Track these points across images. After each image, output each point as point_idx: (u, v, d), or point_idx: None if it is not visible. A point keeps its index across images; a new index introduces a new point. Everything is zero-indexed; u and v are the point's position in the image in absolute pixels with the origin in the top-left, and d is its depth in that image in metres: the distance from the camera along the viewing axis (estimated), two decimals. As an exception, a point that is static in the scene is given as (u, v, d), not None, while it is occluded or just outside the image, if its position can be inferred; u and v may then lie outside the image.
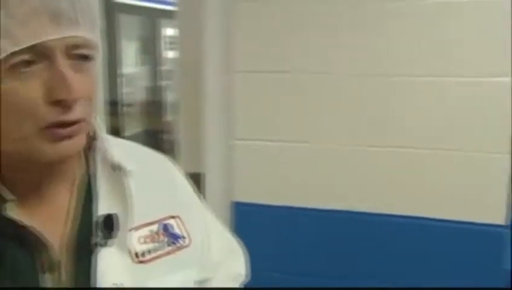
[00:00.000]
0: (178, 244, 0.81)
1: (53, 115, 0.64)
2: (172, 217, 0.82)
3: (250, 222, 1.79)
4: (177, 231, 0.82)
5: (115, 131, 4.01)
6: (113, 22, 3.97)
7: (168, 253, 0.79)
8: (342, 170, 1.72)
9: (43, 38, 0.61)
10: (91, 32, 0.67)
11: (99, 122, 0.80)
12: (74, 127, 0.66)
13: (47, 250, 0.69)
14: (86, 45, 0.66)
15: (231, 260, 0.95)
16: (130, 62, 4.74)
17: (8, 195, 0.69)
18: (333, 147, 1.72)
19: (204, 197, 1.87)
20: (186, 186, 0.92)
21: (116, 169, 0.78)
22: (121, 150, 0.80)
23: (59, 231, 0.72)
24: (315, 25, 1.67)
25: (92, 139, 0.79)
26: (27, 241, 0.69)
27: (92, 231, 0.73)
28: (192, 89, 1.86)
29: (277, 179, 1.78)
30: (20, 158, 0.68)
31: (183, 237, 0.82)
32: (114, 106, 4.11)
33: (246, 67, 1.74)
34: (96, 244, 0.72)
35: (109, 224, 0.73)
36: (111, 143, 0.79)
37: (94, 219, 0.74)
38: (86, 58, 0.67)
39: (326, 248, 1.75)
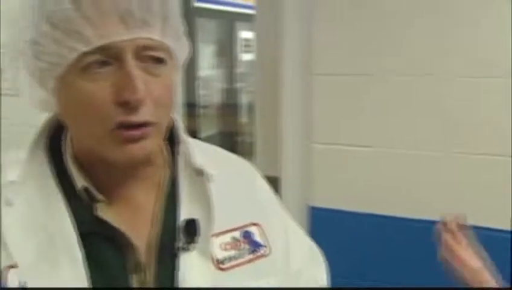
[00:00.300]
0: (258, 253, 0.79)
1: (119, 116, 0.64)
2: (254, 224, 0.81)
3: (326, 227, 1.75)
4: (258, 239, 0.80)
5: (191, 132, 4.09)
6: (191, 26, 4.07)
7: (249, 261, 0.78)
8: (428, 178, 1.64)
9: (113, 39, 0.62)
10: (164, 35, 0.66)
11: (181, 126, 0.80)
12: (140, 130, 0.66)
13: (134, 251, 0.71)
14: (158, 47, 0.66)
15: (313, 268, 0.92)
16: (207, 65, 4.85)
17: (98, 195, 0.71)
18: (420, 153, 1.64)
19: (280, 200, 1.86)
20: (267, 192, 0.90)
21: (198, 174, 0.78)
22: (204, 154, 0.80)
23: (144, 233, 0.73)
24: (393, 27, 1.62)
25: (175, 142, 0.79)
26: (116, 242, 0.70)
27: (175, 235, 0.73)
28: (269, 91, 1.86)
29: (355, 184, 1.73)
30: (97, 159, 0.69)
31: (264, 246, 0.80)
32: (191, 108, 4.21)
33: (325, 69, 1.71)
34: (178, 249, 0.73)
35: (191, 229, 0.74)
36: (193, 147, 0.79)
37: (177, 223, 0.74)
38: (157, 60, 0.66)
39: (406, 256, 1.67)
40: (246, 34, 4.94)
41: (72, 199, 0.71)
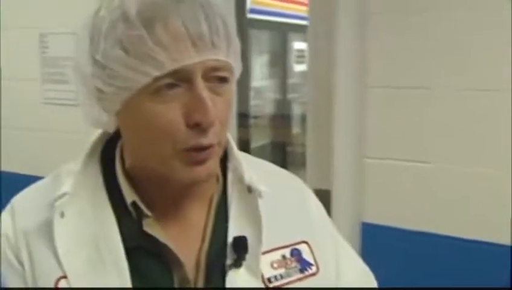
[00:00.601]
0: (307, 273, 0.78)
1: (191, 138, 0.65)
2: (304, 242, 0.80)
3: (377, 244, 1.70)
4: (306, 257, 0.79)
5: (243, 142, 4.14)
6: (245, 38, 4.11)
7: (298, 280, 0.77)
8: (487, 197, 1.56)
9: (185, 63, 0.63)
10: (228, 55, 0.68)
11: (233, 142, 0.80)
12: (208, 152, 0.67)
13: (181, 267, 0.71)
14: (223, 67, 0.67)
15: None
16: (260, 75, 4.88)
17: (146, 211, 0.72)
18: (480, 170, 1.56)
19: (330, 215, 1.83)
20: (319, 211, 0.89)
21: (248, 190, 0.77)
22: (254, 170, 0.80)
23: (193, 249, 0.73)
24: (451, 39, 1.55)
25: (227, 158, 0.79)
26: (163, 258, 0.71)
27: (225, 252, 0.73)
28: (322, 103, 1.83)
29: (409, 201, 1.67)
30: (158, 177, 0.70)
31: (312, 265, 0.79)
32: (243, 118, 4.25)
33: (380, 82, 1.67)
34: (227, 266, 0.72)
35: (239, 246, 0.73)
36: (244, 163, 0.79)
37: (227, 240, 0.74)
38: (222, 80, 0.67)
39: (459, 278, 1.59)
40: (298, 45, 4.94)
41: (122, 212, 0.72)
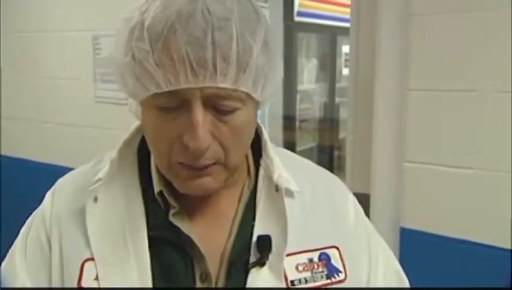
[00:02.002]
0: (334, 279, 0.75)
1: (183, 157, 0.65)
2: (334, 247, 0.78)
3: (416, 249, 1.66)
4: (335, 263, 0.77)
5: (290, 145, 4.14)
6: (293, 41, 4.11)
7: (323, 286, 0.75)
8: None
9: (181, 86, 0.62)
10: (238, 82, 0.64)
11: (267, 138, 0.80)
12: (200, 171, 0.67)
13: (202, 261, 0.71)
14: (229, 96, 0.64)
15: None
16: (308, 79, 4.86)
17: (172, 201, 0.73)
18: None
19: (369, 219, 1.81)
20: (356, 215, 0.85)
21: (276, 189, 0.76)
22: (292, 167, 0.79)
23: (218, 244, 0.74)
24: (494, 41, 1.49)
25: (259, 156, 0.79)
26: (186, 250, 0.72)
27: (249, 249, 0.73)
28: (364, 106, 1.81)
29: (450, 207, 1.62)
30: None
31: (341, 272, 0.76)
32: (290, 121, 4.25)
33: (422, 85, 1.63)
34: (250, 264, 0.72)
35: (264, 245, 0.72)
36: (276, 162, 0.78)
37: (252, 237, 0.73)
38: (227, 112, 0.65)
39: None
40: (347, 48, 4.88)
41: (151, 202, 0.74)
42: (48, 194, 0.80)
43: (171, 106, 0.64)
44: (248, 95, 0.67)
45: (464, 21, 1.54)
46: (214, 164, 0.67)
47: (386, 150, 1.73)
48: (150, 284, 0.70)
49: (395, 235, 1.72)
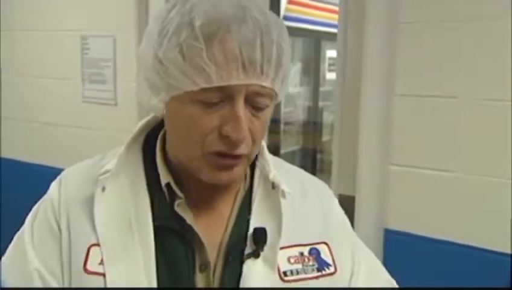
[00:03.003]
0: (324, 272, 0.81)
1: (220, 146, 0.71)
2: (324, 243, 0.83)
3: (400, 250, 1.71)
4: (324, 257, 0.82)
5: (274, 147, 4.18)
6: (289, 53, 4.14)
7: (313, 278, 0.80)
8: (506, 206, 1.55)
9: (233, 83, 0.68)
10: (274, 82, 0.72)
11: (263, 143, 0.84)
12: (235, 161, 0.73)
13: (203, 251, 0.76)
14: (267, 93, 0.72)
15: None
16: (292, 82, 4.91)
17: (178, 192, 0.77)
18: (505, 181, 1.56)
19: (354, 221, 1.85)
20: (341, 217, 0.92)
21: (273, 187, 0.82)
22: (284, 173, 0.84)
23: (216, 236, 0.78)
24: (478, 50, 1.55)
25: (255, 158, 0.84)
26: (188, 239, 0.76)
27: (245, 241, 0.78)
28: (350, 110, 1.86)
29: (433, 209, 1.67)
30: (189, 170, 0.76)
31: (330, 265, 0.82)
32: (274, 124, 4.28)
33: (407, 90, 1.68)
34: (245, 255, 0.77)
35: (259, 237, 0.77)
36: (271, 163, 0.84)
37: (248, 230, 0.78)
38: (261, 108, 0.72)
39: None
40: (331, 53, 4.95)
41: (156, 193, 0.78)
42: (55, 184, 0.83)
43: (213, 100, 0.69)
44: (275, 94, 0.74)
45: (447, 30, 1.60)
46: (244, 156, 0.73)
47: (371, 153, 1.78)
48: (154, 271, 0.73)
49: (380, 236, 1.77)
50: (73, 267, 0.74)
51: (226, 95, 0.69)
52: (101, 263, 0.73)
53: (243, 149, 0.71)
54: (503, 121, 1.54)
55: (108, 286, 0.72)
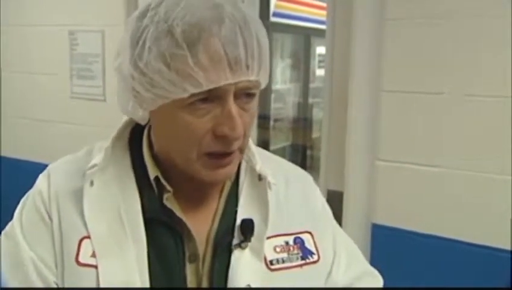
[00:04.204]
0: (307, 260, 0.83)
1: (215, 146, 0.72)
2: (308, 232, 0.85)
3: (387, 245, 1.73)
4: (308, 246, 0.84)
5: (264, 144, 4.19)
6: (268, 41, 4.15)
7: (298, 266, 0.82)
8: (496, 203, 1.57)
9: (222, 83, 0.68)
10: (259, 74, 0.73)
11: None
12: (230, 158, 0.74)
13: (192, 242, 0.77)
14: (253, 86, 0.73)
15: (362, 283, 0.92)
16: (282, 78, 4.92)
17: (167, 186, 0.78)
18: (489, 176, 1.58)
19: (342, 216, 1.87)
20: (323, 206, 0.94)
21: (259, 179, 0.83)
22: (268, 163, 0.86)
23: (204, 228, 0.80)
24: (464, 47, 1.58)
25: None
26: (178, 232, 0.77)
27: (233, 232, 0.79)
28: (338, 106, 1.87)
29: (419, 204, 1.69)
30: (183, 171, 0.76)
31: (313, 254, 0.84)
32: (264, 120, 4.29)
33: (394, 86, 1.70)
34: (233, 245, 0.78)
35: (246, 228, 0.79)
36: (257, 155, 0.85)
37: (235, 222, 0.80)
38: (250, 96, 0.73)
39: (466, 283, 1.60)
40: (321, 50, 4.96)
41: (144, 187, 0.79)
42: (42, 176, 0.82)
43: (204, 103, 0.70)
44: (260, 84, 0.75)
45: (434, 27, 1.62)
46: (237, 151, 0.74)
47: (359, 149, 1.80)
48: (146, 263, 0.74)
49: (367, 231, 1.79)
50: (65, 258, 0.75)
51: (215, 96, 0.70)
52: (93, 255, 0.74)
53: (236, 145, 0.72)
54: (489, 117, 1.56)
55: (101, 278, 0.72)
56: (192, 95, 0.69)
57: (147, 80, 0.70)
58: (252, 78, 0.71)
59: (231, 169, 0.76)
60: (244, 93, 0.72)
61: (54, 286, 0.75)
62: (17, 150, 2.68)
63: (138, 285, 0.73)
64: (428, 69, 1.64)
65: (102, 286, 0.72)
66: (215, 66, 0.67)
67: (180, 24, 0.68)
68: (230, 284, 0.76)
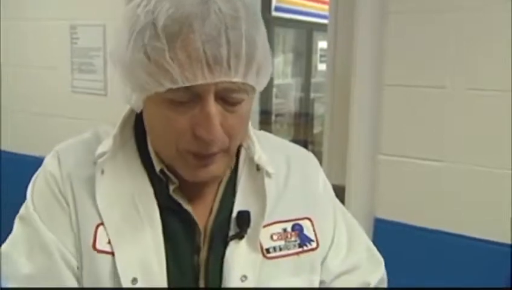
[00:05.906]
0: (306, 247, 0.82)
1: (193, 146, 0.70)
2: (307, 218, 0.84)
3: (389, 239, 1.72)
4: (307, 233, 0.83)
5: (265, 139, 4.17)
6: (270, 35, 4.14)
7: (296, 254, 0.81)
8: (500, 198, 1.57)
9: (198, 82, 0.66)
10: (247, 77, 0.69)
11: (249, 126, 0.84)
12: (209, 159, 0.72)
13: (198, 234, 0.77)
14: (239, 89, 0.69)
15: (367, 270, 0.91)
16: (283, 73, 4.90)
17: (173, 178, 0.78)
18: (493, 171, 1.57)
19: (344, 210, 1.86)
20: (325, 187, 0.91)
21: (257, 168, 0.82)
22: (267, 147, 0.84)
23: (202, 220, 0.79)
24: (467, 40, 1.56)
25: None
26: (186, 223, 0.77)
27: (229, 224, 0.78)
28: (340, 101, 1.86)
29: (422, 198, 1.69)
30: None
31: (312, 241, 0.83)
32: (266, 115, 4.28)
33: (396, 80, 1.69)
34: (229, 237, 0.78)
35: (242, 220, 0.78)
36: (256, 144, 0.83)
37: (232, 213, 0.79)
38: (236, 103, 0.70)
39: (469, 277, 1.60)
40: (323, 44, 4.94)
41: (154, 176, 0.78)
42: (51, 156, 0.81)
43: (183, 100, 0.68)
44: (252, 87, 0.71)
45: (437, 21, 1.61)
46: (219, 151, 0.72)
47: (361, 143, 1.79)
48: (162, 244, 0.74)
49: (370, 225, 1.78)
50: (82, 244, 0.74)
51: (194, 94, 0.67)
52: (109, 242, 0.74)
53: (216, 147, 0.70)
54: (492, 111, 1.56)
55: (118, 263, 0.72)
56: (171, 90, 0.67)
57: (130, 69, 0.69)
58: (236, 79, 0.67)
59: (212, 171, 0.74)
60: (228, 97, 0.69)
61: (77, 271, 0.74)
62: (17, 145, 2.67)
63: (155, 266, 0.73)
64: (430, 63, 1.63)
65: (120, 271, 0.72)
66: (191, 64, 0.65)
67: (164, 17, 0.66)
68: (225, 276, 0.76)
